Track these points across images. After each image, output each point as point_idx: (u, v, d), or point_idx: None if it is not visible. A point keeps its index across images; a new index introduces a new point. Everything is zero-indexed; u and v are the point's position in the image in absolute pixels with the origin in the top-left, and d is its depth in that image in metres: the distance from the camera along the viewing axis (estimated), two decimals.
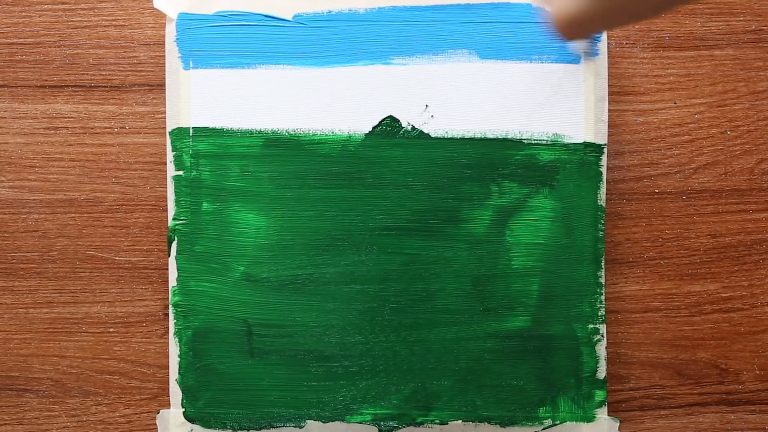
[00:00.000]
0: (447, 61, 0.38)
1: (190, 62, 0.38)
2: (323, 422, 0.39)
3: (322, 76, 0.38)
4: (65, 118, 0.40)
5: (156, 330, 0.41)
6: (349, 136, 0.38)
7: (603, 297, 0.39)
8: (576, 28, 0.25)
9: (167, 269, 0.39)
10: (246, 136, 0.38)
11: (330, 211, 0.38)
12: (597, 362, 0.39)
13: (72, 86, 0.40)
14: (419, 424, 0.39)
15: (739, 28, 0.41)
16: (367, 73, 0.38)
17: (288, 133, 0.38)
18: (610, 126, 0.40)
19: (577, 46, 0.36)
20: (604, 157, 0.39)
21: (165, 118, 0.39)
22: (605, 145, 0.39)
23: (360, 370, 0.39)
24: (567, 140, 0.38)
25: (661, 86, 0.41)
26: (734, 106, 0.41)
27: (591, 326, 0.39)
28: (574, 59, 0.38)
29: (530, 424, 0.39)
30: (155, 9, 0.39)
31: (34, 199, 0.40)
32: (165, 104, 0.39)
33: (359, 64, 0.38)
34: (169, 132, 0.38)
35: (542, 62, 0.38)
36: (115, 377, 0.40)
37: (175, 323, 0.39)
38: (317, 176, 0.38)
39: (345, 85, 0.38)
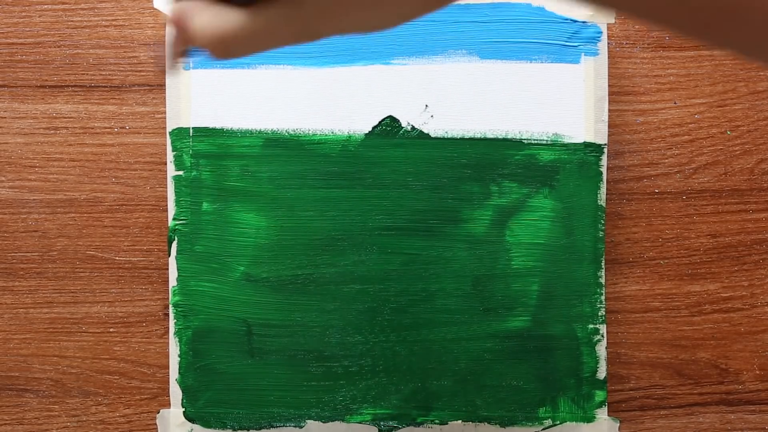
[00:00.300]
0: (447, 61, 0.38)
1: (190, 62, 0.38)
2: (323, 422, 0.39)
3: (322, 76, 0.38)
4: (65, 118, 0.40)
5: (156, 330, 0.40)
6: (349, 136, 0.38)
7: (603, 297, 0.39)
8: (228, 48, 0.22)
9: (167, 269, 0.39)
10: (246, 136, 0.38)
11: (330, 211, 0.38)
12: (597, 362, 0.39)
13: (72, 86, 0.40)
14: (419, 424, 0.39)
15: None
16: (366, 73, 0.38)
17: (288, 133, 0.38)
18: (610, 126, 0.40)
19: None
20: (604, 157, 0.39)
21: (165, 118, 0.39)
22: (605, 145, 0.39)
23: (360, 370, 0.39)
24: (567, 140, 0.38)
25: (661, 86, 0.41)
26: (734, 106, 0.41)
27: (591, 326, 0.39)
28: (574, 59, 0.38)
29: (530, 424, 0.39)
30: (155, 9, 0.39)
31: (34, 199, 0.40)
32: (165, 104, 0.39)
33: (359, 64, 0.38)
34: (169, 132, 0.38)
35: (542, 62, 0.38)
36: (115, 377, 0.40)
37: (175, 323, 0.39)
38: (317, 176, 0.38)
39: (345, 85, 0.38)
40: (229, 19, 0.21)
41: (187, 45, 0.26)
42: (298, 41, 0.22)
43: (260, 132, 0.38)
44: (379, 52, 0.38)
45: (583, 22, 0.38)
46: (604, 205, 0.39)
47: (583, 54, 0.38)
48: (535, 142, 0.38)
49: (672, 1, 0.19)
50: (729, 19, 0.19)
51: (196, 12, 0.22)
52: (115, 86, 0.40)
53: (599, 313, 0.39)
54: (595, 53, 0.38)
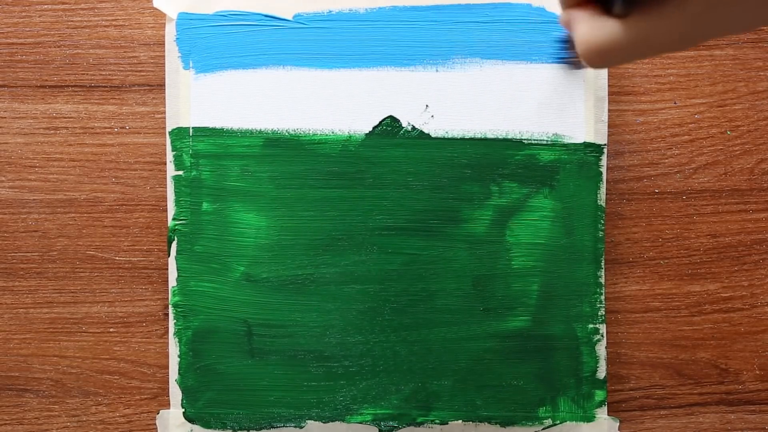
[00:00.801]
0: (447, 61, 0.38)
1: (190, 62, 0.38)
2: (323, 422, 0.39)
3: (322, 76, 0.38)
4: (65, 118, 0.40)
5: (156, 330, 0.40)
6: (349, 136, 0.38)
7: (603, 297, 0.39)
8: (603, 59, 0.23)
9: (167, 269, 0.39)
10: (246, 136, 0.38)
11: (330, 211, 0.38)
12: (597, 362, 0.39)
13: (72, 86, 0.40)
14: (419, 424, 0.39)
15: None
16: (367, 73, 0.38)
17: (288, 133, 0.38)
18: (610, 126, 0.40)
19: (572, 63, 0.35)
20: (604, 157, 0.39)
21: (165, 118, 0.39)
22: (605, 145, 0.39)
23: (360, 370, 0.39)
24: (567, 140, 0.38)
25: (661, 86, 0.41)
26: (734, 106, 0.41)
27: (591, 326, 0.39)
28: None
29: (530, 424, 0.39)
30: (155, 9, 0.39)
31: (34, 199, 0.40)
32: (165, 104, 0.39)
33: (361, 67, 0.38)
34: (169, 132, 0.38)
35: (542, 62, 0.38)
36: (115, 377, 0.40)
37: (175, 323, 0.39)
38: (317, 176, 0.38)
39: (345, 85, 0.38)
40: (608, 30, 0.22)
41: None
42: (678, 48, 0.22)
43: (260, 132, 0.38)
44: (379, 52, 0.38)
45: None
46: (604, 205, 0.39)
47: (583, 79, 0.38)
48: (535, 142, 0.38)
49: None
50: None
51: (579, 21, 0.22)
52: (115, 86, 0.40)
53: (599, 313, 0.39)
54: (596, 75, 0.38)
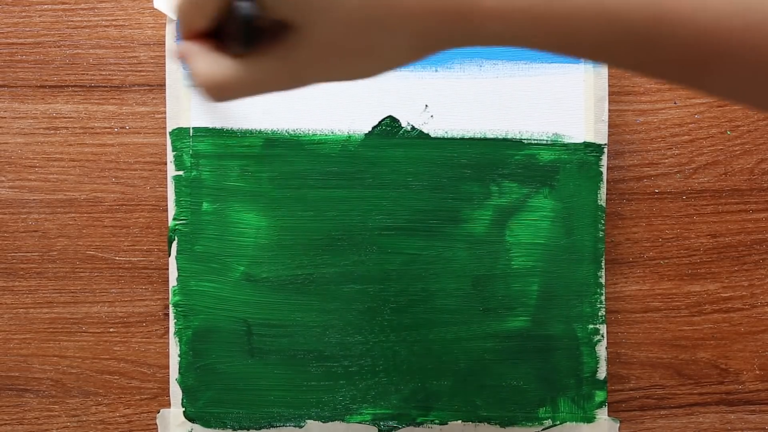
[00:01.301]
0: (447, 61, 0.38)
1: None
2: (323, 422, 0.39)
3: None
4: (65, 118, 0.40)
5: (156, 330, 0.40)
6: (349, 136, 0.38)
7: (603, 297, 0.39)
8: (219, 95, 0.23)
9: (167, 269, 0.39)
10: (246, 136, 0.38)
11: (330, 211, 0.38)
12: (597, 362, 0.39)
13: (72, 86, 0.40)
14: (419, 424, 0.39)
15: None
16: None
17: (288, 133, 0.38)
18: (610, 126, 0.40)
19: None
20: (604, 157, 0.39)
21: (165, 118, 0.39)
22: (605, 145, 0.39)
23: (360, 370, 0.39)
24: (567, 140, 0.38)
25: (661, 86, 0.41)
26: (734, 106, 0.41)
27: (591, 326, 0.39)
28: (575, 59, 0.38)
29: (530, 424, 0.39)
30: (155, 9, 0.39)
31: (34, 199, 0.40)
32: (165, 104, 0.39)
33: None
34: (169, 132, 0.39)
35: (542, 62, 0.38)
36: (115, 377, 0.40)
37: (175, 323, 0.39)
38: (317, 176, 0.38)
39: (345, 85, 0.38)
40: (224, 68, 0.22)
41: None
42: (288, 88, 0.24)
43: (260, 132, 0.38)
44: None
45: None
46: (604, 205, 0.39)
47: (584, 67, 0.38)
48: (535, 142, 0.38)
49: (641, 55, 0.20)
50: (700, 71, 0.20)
51: (195, 56, 0.23)
52: (115, 86, 0.40)
53: (599, 313, 0.39)
54: (596, 75, 0.38)
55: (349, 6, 0.20)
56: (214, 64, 0.22)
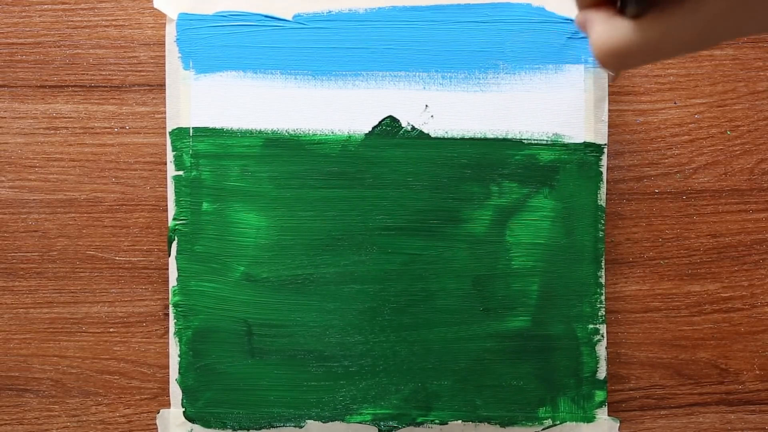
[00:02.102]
0: (447, 61, 0.38)
1: (190, 62, 0.38)
2: (323, 422, 0.39)
3: (322, 76, 0.38)
4: (65, 118, 0.40)
5: (156, 330, 0.40)
6: (349, 136, 0.38)
7: (603, 297, 0.39)
8: (618, 61, 0.22)
9: (167, 269, 0.39)
10: (246, 136, 0.38)
11: (330, 211, 0.38)
12: (597, 362, 0.39)
13: (72, 86, 0.40)
14: (419, 424, 0.39)
15: None
16: (366, 73, 0.38)
17: (288, 133, 0.38)
18: (610, 126, 0.40)
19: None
20: (604, 157, 0.39)
21: (165, 118, 0.39)
22: (605, 145, 0.39)
23: (360, 370, 0.39)
24: (567, 140, 0.38)
25: (661, 86, 0.41)
26: (734, 106, 0.41)
27: (591, 326, 0.39)
28: (574, 59, 0.38)
29: (530, 424, 0.39)
30: (155, 9, 0.39)
31: (34, 199, 0.40)
32: (165, 104, 0.39)
33: (359, 65, 0.38)
34: (169, 132, 0.39)
35: (542, 62, 0.38)
36: (115, 377, 0.40)
37: (175, 323, 0.39)
38: (317, 176, 0.38)
39: (345, 85, 0.38)
40: (622, 32, 0.21)
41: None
42: (694, 50, 0.22)
43: (260, 132, 0.38)
44: (380, 55, 0.38)
45: None
46: (604, 205, 0.39)
47: (584, 67, 0.38)
48: (535, 142, 0.38)
49: None
50: None
51: (594, 23, 0.22)
52: (115, 86, 0.40)
53: (599, 313, 0.39)
54: (596, 75, 0.38)
55: None
56: (613, 29, 0.21)
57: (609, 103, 0.39)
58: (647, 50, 0.21)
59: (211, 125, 0.38)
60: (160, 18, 0.40)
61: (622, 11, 0.22)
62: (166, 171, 0.40)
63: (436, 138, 0.38)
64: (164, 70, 0.39)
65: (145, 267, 0.40)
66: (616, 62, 0.22)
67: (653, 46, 0.21)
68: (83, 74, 0.40)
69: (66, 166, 0.40)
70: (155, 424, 0.40)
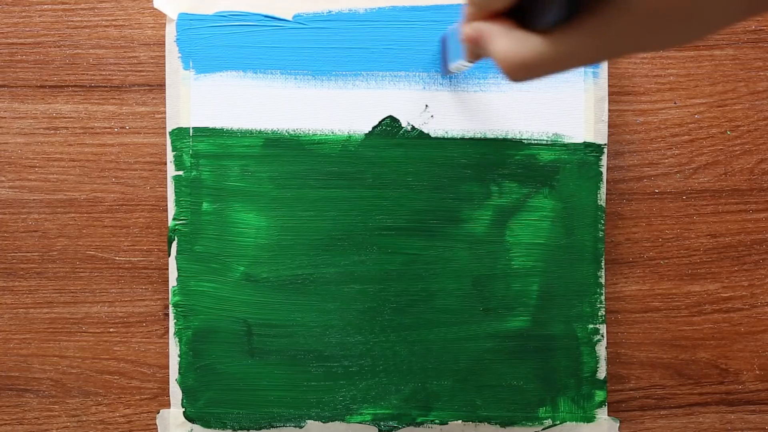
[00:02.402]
0: (447, 60, 0.38)
1: (190, 62, 0.38)
2: (323, 422, 0.39)
3: (322, 76, 0.38)
4: (65, 118, 0.40)
5: (156, 330, 0.40)
6: (349, 136, 0.38)
7: (603, 297, 0.39)
8: (528, 73, 0.22)
9: (167, 269, 0.39)
10: (246, 136, 0.38)
11: (330, 211, 0.38)
12: (597, 362, 0.39)
13: (72, 86, 0.40)
14: (419, 424, 0.39)
15: (739, 28, 0.41)
16: (366, 73, 0.38)
17: (288, 133, 0.38)
18: (610, 126, 0.40)
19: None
20: (604, 157, 0.39)
21: (165, 118, 0.39)
22: (605, 145, 0.39)
23: (360, 370, 0.39)
24: (567, 140, 0.38)
25: (661, 86, 0.41)
26: (734, 106, 0.41)
27: (591, 326, 0.39)
28: None
29: (530, 424, 0.39)
30: (155, 9, 0.39)
31: (34, 199, 0.40)
32: (165, 104, 0.39)
33: (359, 65, 0.38)
34: (169, 132, 0.38)
35: None
36: (115, 377, 0.40)
37: (175, 323, 0.39)
38: (317, 176, 0.38)
39: (345, 85, 0.38)
40: (530, 44, 0.21)
41: (476, 60, 0.26)
42: (597, 61, 0.22)
43: (260, 132, 0.38)
44: (380, 55, 0.38)
45: None
46: (604, 205, 0.39)
47: (582, 79, 0.38)
48: (535, 142, 0.38)
49: None
50: None
51: (496, 35, 0.22)
52: (115, 86, 0.40)
53: (599, 313, 0.39)
54: (596, 75, 0.38)
55: None
56: (519, 42, 0.21)
57: (609, 103, 0.39)
58: (556, 62, 0.21)
59: (211, 125, 0.38)
60: (160, 18, 0.40)
61: (523, 24, 0.22)
62: (166, 171, 0.40)
63: (436, 138, 0.38)
64: (164, 70, 0.39)
65: (145, 267, 0.40)
66: (526, 74, 0.22)
67: (561, 58, 0.21)
68: (83, 74, 0.40)
69: (66, 166, 0.40)
70: (155, 424, 0.40)
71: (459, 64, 0.28)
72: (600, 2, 0.20)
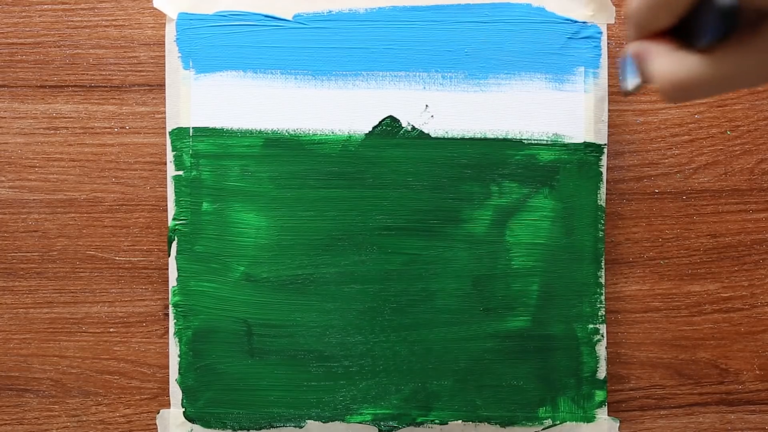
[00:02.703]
0: (447, 61, 0.38)
1: (190, 62, 0.38)
2: (323, 422, 0.39)
3: (322, 76, 0.38)
4: (65, 118, 0.40)
5: (156, 330, 0.40)
6: (349, 136, 0.38)
7: (603, 297, 0.39)
8: (686, 94, 0.21)
9: (167, 269, 0.39)
10: (246, 136, 0.38)
11: (330, 211, 0.38)
12: (597, 362, 0.39)
13: (72, 86, 0.40)
14: (419, 424, 0.39)
15: None
16: (366, 73, 0.38)
17: (288, 133, 0.38)
18: (610, 126, 0.40)
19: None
20: (604, 157, 0.39)
21: (165, 118, 0.39)
22: (605, 145, 0.39)
23: (360, 370, 0.39)
24: (567, 140, 0.38)
25: None
26: (734, 106, 0.41)
27: (591, 326, 0.39)
28: (575, 59, 0.38)
29: (530, 424, 0.39)
30: (155, 9, 0.39)
31: (34, 199, 0.40)
32: (165, 104, 0.39)
33: (359, 65, 0.38)
34: (169, 132, 0.39)
35: (543, 61, 0.38)
36: (115, 377, 0.40)
37: (175, 323, 0.39)
38: (317, 176, 0.38)
39: (345, 85, 0.38)
40: (692, 66, 0.21)
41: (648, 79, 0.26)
42: (758, 84, 0.21)
43: (260, 132, 0.38)
44: (380, 55, 0.38)
45: (584, 22, 0.38)
46: (604, 205, 0.39)
47: (583, 67, 0.38)
48: (535, 142, 0.38)
49: None
50: None
51: (657, 55, 0.22)
52: (115, 86, 0.40)
53: (599, 313, 0.39)
54: (596, 75, 0.38)
55: None
56: (681, 63, 0.21)
57: (609, 103, 0.39)
58: (717, 84, 0.21)
59: (211, 125, 0.38)
60: (160, 18, 0.40)
61: (685, 44, 0.21)
62: (166, 171, 0.40)
63: (436, 138, 0.38)
64: (164, 70, 0.39)
65: (145, 267, 0.40)
66: (683, 95, 0.22)
67: (721, 80, 0.21)
68: (83, 74, 0.40)
69: (66, 166, 0.40)
70: (155, 424, 0.40)
71: (635, 82, 0.28)
72: (763, 20, 0.19)
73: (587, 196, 0.39)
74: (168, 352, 0.40)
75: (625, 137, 0.41)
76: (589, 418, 0.39)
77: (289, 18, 0.38)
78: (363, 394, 0.39)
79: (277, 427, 0.39)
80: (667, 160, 0.41)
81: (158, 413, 0.39)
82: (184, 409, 0.39)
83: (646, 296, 0.41)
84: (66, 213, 0.40)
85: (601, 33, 0.38)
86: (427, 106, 0.38)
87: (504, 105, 0.38)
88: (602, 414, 0.39)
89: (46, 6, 0.40)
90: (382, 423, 0.39)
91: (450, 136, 0.38)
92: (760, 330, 0.41)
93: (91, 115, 0.40)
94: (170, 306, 0.39)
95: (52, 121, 0.40)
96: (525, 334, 0.39)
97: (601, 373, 0.39)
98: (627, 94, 0.31)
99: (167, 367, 0.40)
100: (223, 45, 0.38)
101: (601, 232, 0.39)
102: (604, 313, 0.39)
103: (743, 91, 0.41)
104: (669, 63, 0.21)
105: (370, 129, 0.38)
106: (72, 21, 0.40)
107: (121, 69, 0.40)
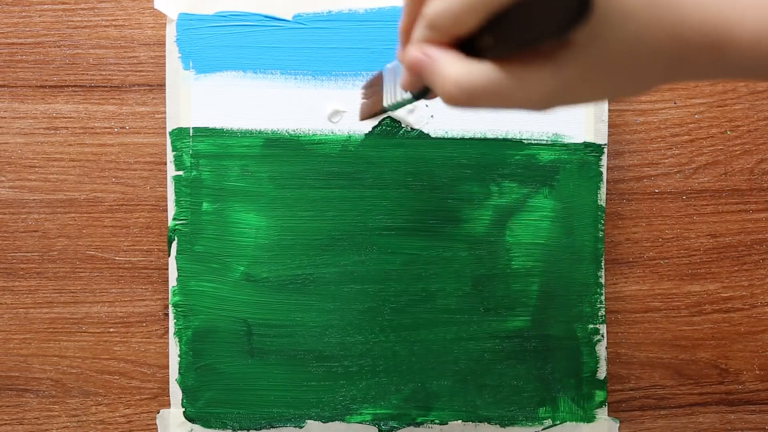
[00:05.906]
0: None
1: (191, 62, 0.38)
2: (323, 422, 0.39)
3: (321, 76, 0.38)
4: (65, 118, 0.40)
5: (156, 330, 0.40)
6: (349, 136, 0.38)
7: (603, 297, 0.39)
8: (471, 101, 0.21)
9: (167, 269, 0.39)
10: (246, 136, 0.38)
11: (330, 211, 0.38)
12: (597, 362, 0.39)
13: (72, 86, 0.40)
14: (419, 424, 0.39)
15: None
16: (366, 73, 0.38)
17: (288, 133, 0.38)
18: (610, 126, 0.40)
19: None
20: (604, 157, 0.39)
21: (165, 118, 0.39)
22: (605, 145, 0.39)
23: (360, 370, 0.39)
24: (567, 140, 0.38)
25: (661, 86, 0.41)
26: (734, 106, 0.41)
27: (591, 326, 0.39)
28: None
29: (530, 424, 0.39)
30: (155, 9, 0.39)
31: (34, 199, 0.40)
32: (165, 104, 0.39)
33: (358, 65, 0.38)
34: (169, 132, 0.39)
35: None
36: (115, 377, 0.40)
37: (175, 323, 0.39)
38: (317, 176, 0.38)
39: (345, 85, 0.38)
40: (484, 71, 0.21)
41: (415, 91, 0.25)
42: (541, 108, 0.22)
43: (260, 132, 0.38)
44: (380, 55, 0.38)
45: None
46: (604, 205, 0.39)
47: None
48: (535, 142, 0.38)
49: None
50: None
51: (446, 59, 0.21)
52: (115, 86, 0.40)
53: (599, 313, 0.39)
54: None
55: (639, 22, 0.19)
56: (471, 68, 0.21)
57: (609, 103, 0.39)
58: (501, 96, 0.21)
59: (211, 125, 0.38)
60: (160, 18, 0.40)
61: (471, 53, 0.21)
62: (166, 171, 0.40)
63: (436, 138, 0.38)
64: (164, 70, 0.39)
65: (145, 267, 0.40)
66: (468, 100, 0.21)
67: (508, 94, 0.21)
68: (83, 74, 0.40)
69: (66, 166, 0.40)
70: (155, 424, 0.40)
71: (397, 98, 0.27)
72: (563, 47, 0.20)
73: (587, 196, 0.39)
74: (168, 352, 0.40)
75: (625, 137, 0.41)
76: (589, 418, 0.39)
77: (289, 18, 0.38)
78: (363, 394, 0.39)
79: (277, 426, 0.39)
80: (667, 160, 0.41)
81: (158, 413, 0.39)
82: (184, 409, 0.39)
83: (646, 296, 0.41)
84: (66, 213, 0.40)
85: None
86: (427, 105, 0.38)
87: None
88: (602, 414, 0.39)
89: (46, 6, 0.40)
90: (381, 423, 0.39)
91: (450, 136, 0.38)
92: (760, 330, 0.41)
93: (91, 115, 0.40)
94: (170, 306, 0.39)
95: (52, 121, 0.40)
96: (525, 334, 0.39)
97: (601, 373, 0.39)
98: (384, 111, 0.28)
99: (167, 367, 0.40)
100: (223, 45, 0.38)
101: (601, 232, 0.39)
102: (604, 313, 0.39)
103: (743, 91, 0.41)
104: (461, 67, 0.21)
105: (370, 129, 0.38)
106: (72, 21, 0.40)
107: (121, 69, 0.40)
